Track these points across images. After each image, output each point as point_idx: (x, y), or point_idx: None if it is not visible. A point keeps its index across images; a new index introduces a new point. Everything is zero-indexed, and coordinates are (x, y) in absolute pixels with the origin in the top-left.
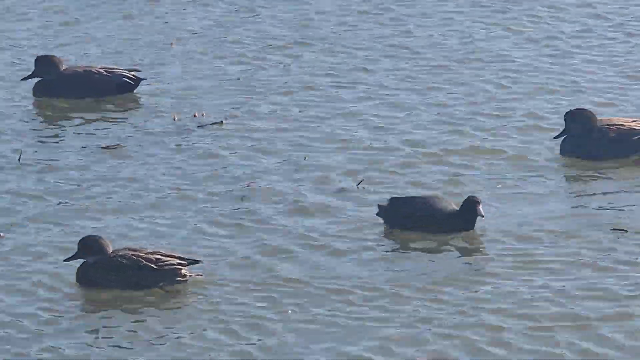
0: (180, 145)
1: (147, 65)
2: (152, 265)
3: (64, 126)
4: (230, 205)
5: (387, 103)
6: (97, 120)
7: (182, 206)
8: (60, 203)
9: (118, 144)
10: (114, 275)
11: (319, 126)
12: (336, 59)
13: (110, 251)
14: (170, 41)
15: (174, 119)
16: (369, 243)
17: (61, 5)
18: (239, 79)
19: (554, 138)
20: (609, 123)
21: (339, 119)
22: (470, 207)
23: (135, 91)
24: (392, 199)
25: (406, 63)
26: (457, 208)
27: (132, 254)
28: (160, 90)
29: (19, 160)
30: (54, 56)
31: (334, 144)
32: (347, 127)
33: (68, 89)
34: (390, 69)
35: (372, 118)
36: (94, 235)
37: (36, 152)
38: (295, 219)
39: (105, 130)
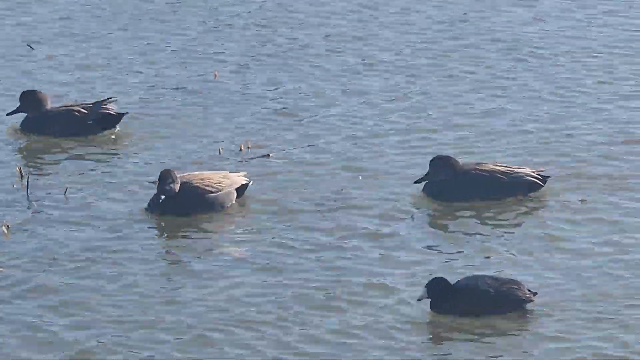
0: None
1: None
2: None
3: (105, 161)
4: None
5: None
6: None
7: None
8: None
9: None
10: None
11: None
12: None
13: None
14: (213, 71)
15: (220, 152)
16: None
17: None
18: (283, 108)
19: (415, 183)
20: (474, 167)
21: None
22: None
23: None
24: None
25: None
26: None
27: None
28: (200, 121)
29: (64, 194)
30: (39, 92)
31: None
32: None
33: (52, 128)
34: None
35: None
36: None
37: (81, 190)
38: None
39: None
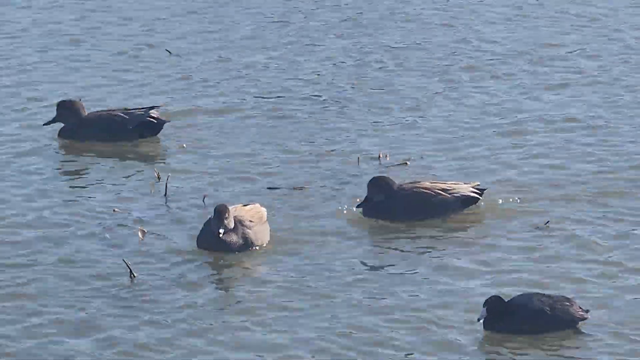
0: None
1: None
2: None
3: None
4: None
5: None
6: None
7: None
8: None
9: (303, 187)
10: None
11: None
12: None
13: None
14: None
15: (358, 161)
16: None
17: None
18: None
19: (356, 208)
20: (412, 186)
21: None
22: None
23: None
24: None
25: None
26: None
27: None
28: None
29: (203, 200)
30: (75, 101)
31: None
32: None
33: (90, 134)
34: None
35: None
36: None
37: (217, 194)
38: None
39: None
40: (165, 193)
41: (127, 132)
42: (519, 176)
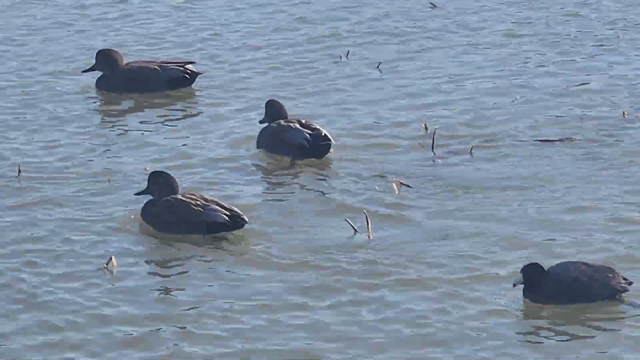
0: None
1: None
2: None
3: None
4: None
5: None
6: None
7: None
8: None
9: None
10: None
11: None
12: None
13: None
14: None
15: (624, 115)
16: None
17: None
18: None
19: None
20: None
21: None
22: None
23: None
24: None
25: None
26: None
27: None
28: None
29: (470, 151)
30: (112, 50)
31: None
32: None
33: (123, 84)
34: None
35: None
36: None
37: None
38: None
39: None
40: (433, 147)
41: (159, 84)
42: None
